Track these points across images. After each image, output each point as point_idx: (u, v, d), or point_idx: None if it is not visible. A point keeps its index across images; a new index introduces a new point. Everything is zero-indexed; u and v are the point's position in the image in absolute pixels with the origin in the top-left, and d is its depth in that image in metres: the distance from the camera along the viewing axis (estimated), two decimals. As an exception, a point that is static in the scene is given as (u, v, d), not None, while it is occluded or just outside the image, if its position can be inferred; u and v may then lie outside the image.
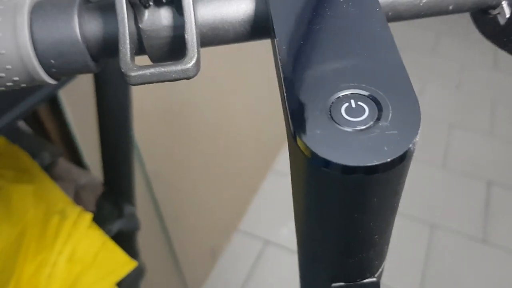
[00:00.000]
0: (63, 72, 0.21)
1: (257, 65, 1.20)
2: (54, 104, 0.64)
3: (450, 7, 0.21)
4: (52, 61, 0.20)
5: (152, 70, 0.18)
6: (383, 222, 0.16)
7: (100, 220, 0.58)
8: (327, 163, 0.13)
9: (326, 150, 0.13)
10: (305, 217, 0.17)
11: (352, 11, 0.18)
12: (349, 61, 0.16)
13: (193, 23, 0.19)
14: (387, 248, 0.19)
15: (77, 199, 0.60)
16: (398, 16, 0.21)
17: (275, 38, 0.17)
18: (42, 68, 0.20)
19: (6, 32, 0.19)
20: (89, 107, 0.60)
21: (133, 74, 0.18)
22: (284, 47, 0.17)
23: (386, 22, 0.17)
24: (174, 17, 0.20)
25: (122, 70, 0.19)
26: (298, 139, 0.14)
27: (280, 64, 0.16)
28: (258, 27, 0.20)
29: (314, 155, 0.13)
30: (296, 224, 0.19)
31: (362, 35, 0.17)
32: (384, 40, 0.16)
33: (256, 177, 1.45)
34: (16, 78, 0.20)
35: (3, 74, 0.20)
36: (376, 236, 0.17)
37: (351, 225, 0.16)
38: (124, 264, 0.54)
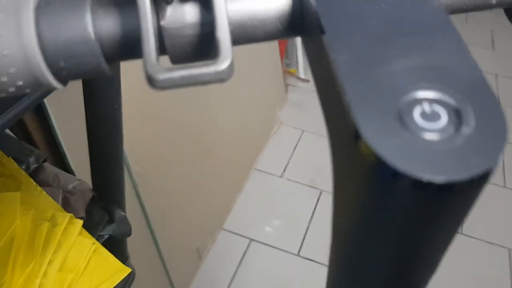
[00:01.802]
0: (73, 75, 0.19)
1: (238, 65, 1.19)
2: (39, 109, 0.62)
3: (494, 2, 0.20)
4: (62, 64, 0.18)
5: (182, 72, 0.16)
6: (445, 242, 0.15)
7: (90, 226, 0.57)
8: (414, 179, 0.11)
9: (407, 162, 0.11)
10: (356, 235, 0.15)
11: (408, 3, 0.16)
12: (417, 59, 0.14)
13: (226, 19, 0.17)
14: (436, 269, 0.17)
15: (66, 205, 0.58)
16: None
17: (324, 36, 0.15)
18: (50, 72, 0.18)
19: (9, 31, 0.17)
20: (74, 112, 0.58)
21: (161, 77, 0.16)
22: (337, 45, 0.15)
23: (448, 15, 0.15)
24: (200, 14, 0.18)
25: (148, 73, 0.16)
26: (363, 142, 0.12)
27: (332, 63, 0.14)
28: (290, 25, 0.18)
29: (388, 165, 0.11)
30: (336, 243, 0.17)
31: (425, 30, 0.15)
32: (450, 35, 0.15)
33: (239, 176, 1.45)
34: (20, 83, 0.18)
35: (5, 79, 0.17)
36: (434, 257, 0.15)
37: (415, 245, 0.14)
38: (117, 271, 0.53)
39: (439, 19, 0.15)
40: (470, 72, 0.14)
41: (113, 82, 0.52)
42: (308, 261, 1.29)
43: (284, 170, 1.52)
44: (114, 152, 0.58)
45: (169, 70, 0.16)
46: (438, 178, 0.11)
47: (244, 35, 0.19)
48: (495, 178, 1.54)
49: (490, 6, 0.20)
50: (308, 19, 0.18)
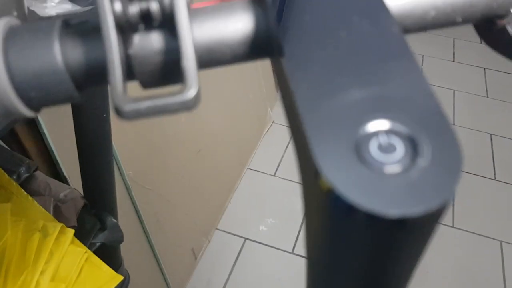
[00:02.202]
0: (45, 103, 0.19)
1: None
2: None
3: (459, 19, 0.20)
4: (33, 94, 0.18)
5: (148, 103, 0.16)
6: (409, 268, 0.15)
7: (82, 234, 0.57)
8: (369, 213, 0.11)
9: (363, 196, 0.12)
10: (322, 261, 0.16)
11: (368, 28, 0.16)
12: (374, 89, 0.14)
13: (192, 49, 0.17)
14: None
15: (57, 213, 0.59)
16: (406, 30, 0.20)
17: (284, 60, 0.16)
18: (21, 102, 0.18)
19: None
20: (66, 119, 0.58)
21: (127, 109, 0.16)
22: (297, 71, 0.15)
23: (406, 41, 0.16)
24: (166, 42, 0.18)
25: (115, 105, 0.16)
26: (324, 181, 0.12)
27: (293, 92, 0.14)
28: (258, 47, 0.18)
29: (343, 199, 0.12)
30: (308, 263, 0.18)
31: (382, 58, 0.15)
32: (406, 62, 0.15)
33: (232, 176, 1.45)
34: None
35: None
36: (401, 281, 0.15)
37: (378, 273, 0.14)
38: (110, 279, 0.53)
39: (397, 46, 0.15)
40: (426, 101, 0.14)
41: (101, 91, 0.52)
42: (302, 258, 1.30)
43: (277, 168, 1.53)
44: (104, 160, 0.58)
45: (135, 101, 0.16)
46: (392, 212, 0.11)
47: (212, 59, 0.19)
48: (486, 171, 1.56)
49: (455, 23, 0.20)
50: (273, 42, 0.18)
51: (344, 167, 0.12)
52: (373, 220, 0.12)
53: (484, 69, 1.99)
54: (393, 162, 0.12)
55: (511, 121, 1.74)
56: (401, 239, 0.12)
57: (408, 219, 0.11)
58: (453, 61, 2.05)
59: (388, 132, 0.13)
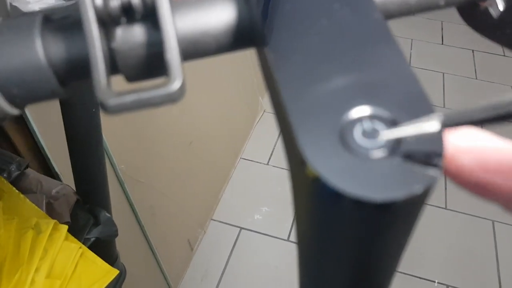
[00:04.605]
0: (27, 101, 0.18)
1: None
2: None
3: (441, 2, 0.20)
4: (15, 91, 0.17)
5: (133, 97, 0.16)
6: (397, 251, 0.15)
7: (76, 230, 0.57)
8: (354, 199, 0.12)
9: (348, 182, 0.12)
10: (311, 247, 0.16)
11: (349, 15, 0.16)
12: (357, 75, 0.14)
13: (175, 41, 0.17)
14: (395, 271, 0.17)
15: (50, 210, 0.58)
16: (389, 15, 0.19)
17: (268, 49, 0.16)
18: (4, 99, 0.17)
19: None
20: (56, 114, 0.58)
21: (111, 103, 0.16)
22: (280, 60, 0.15)
23: (387, 27, 0.16)
24: (150, 33, 0.18)
25: (99, 99, 0.16)
26: (310, 169, 0.12)
27: (277, 80, 0.14)
28: (242, 37, 0.18)
29: (329, 187, 0.12)
30: (299, 250, 0.18)
31: (364, 44, 0.15)
32: (388, 47, 0.15)
33: (226, 166, 1.46)
34: None
35: None
36: (390, 264, 0.15)
37: (361, 259, 0.14)
38: (105, 274, 0.53)
39: (379, 32, 0.15)
40: (408, 86, 0.14)
41: (89, 86, 0.51)
42: (298, 245, 1.31)
43: (270, 157, 1.53)
44: (95, 154, 0.58)
45: (120, 95, 0.16)
46: (378, 196, 0.11)
47: (197, 50, 0.18)
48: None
49: (438, 7, 0.20)
50: (256, 32, 0.18)
51: (329, 155, 0.12)
52: (360, 206, 0.12)
53: (473, 51, 1.99)
54: (377, 147, 0.13)
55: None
56: (388, 222, 0.13)
57: (394, 203, 0.12)
58: (442, 44, 2.05)
59: (371, 117, 0.13)
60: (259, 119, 1.64)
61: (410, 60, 1.95)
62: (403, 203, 0.12)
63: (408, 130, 0.13)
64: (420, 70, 1.88)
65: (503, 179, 0.13)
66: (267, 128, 1.61)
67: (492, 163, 0.13)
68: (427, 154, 0.12)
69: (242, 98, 1.51)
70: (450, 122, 0.13)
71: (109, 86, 0.17)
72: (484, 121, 0.12)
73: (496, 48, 1.95)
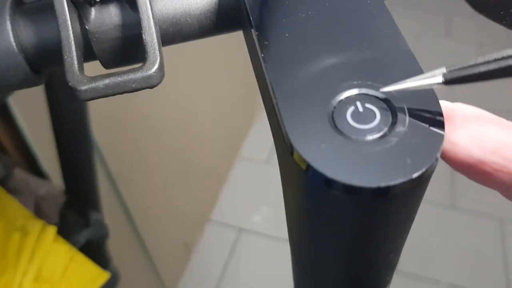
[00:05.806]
0: (1, 90, 0.18)
1: (216, 49, 1.16)
2: (3, 111, 0.59)
3: None
4: None
5: (106, 81, 0.15)
6: (398, 242, 0.14)
7: (65, 232, 0.54)
8: (344, 186, 0.10)
9: (338, 169, 0.11)
10: (303, 238, 0.15)
11: None
12: (349, 55, 0.13)
13: (152, 20, 0.16)
14: (395, 265, 0.16)
15: (38, 211, 0.56)
16: None
17: (253, 30, 0.15)
18: None
19: None
20: (42, 111, 0.55)
21: (83, 88, 0.15)
22: (266, 41, 0.14)
23: (384, 5, 0.14)
24: (126, 14, 0.17)
25: (70, 84, 0.16)
26: (298, 156, 0.11)
27: (263, 62, 0.13)
28: (227, 18, 0.18)
29: (318, 175, 0.11)
30: (291, 242, 0.17)
31: (359, 21, 0.14)
32: (385, 25, 0.14)
33: (224, 166, 1.43)
34: None
35: None
36: (389, 256, 0.14)
37: (361, 249, 0.13)
38: (96, 277, 0.51)
39: (376, 8, 0.14)
40: (406, 65, 0.13)
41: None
42: (298, 246, 1.29)
43: (269, 156, 1.51)
44: (83, 151, 0.55)
45: (93, 80, 0.15)
46: (371, 183, 0.10)
47: (179, 32, 0.17)
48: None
49: None
50: (241, 12, 0.17)
51: (319, 139, 0.11)
52: (353, 193, 0.11)
53: (477, 45, 1.98)
54: (370, 130, 0.11)
55: (503, 94, 1.74)
56: (385, 209, 0.11)
57: (388, 190, 0.11)
58: (446, 37, 2.04)
59: (364, 99, 0.12)
60: (258, 116, 1.62)
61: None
62: (400, 189, 0.11)
63: (411, 83, 0.12)
64: (422, 66, 1.86)
65: (501, 158, 0.11)
66: (265, 125, 1.58)
67: (490, 141, 0.12)
68: (424, 136, 0.11)
69: (240, 96, 1.49)
70: (453, 77, 0.12)
71: (81, 70, 0.16)
72: (486, 74, 0.12)
73: (501, 42, 1.92)
